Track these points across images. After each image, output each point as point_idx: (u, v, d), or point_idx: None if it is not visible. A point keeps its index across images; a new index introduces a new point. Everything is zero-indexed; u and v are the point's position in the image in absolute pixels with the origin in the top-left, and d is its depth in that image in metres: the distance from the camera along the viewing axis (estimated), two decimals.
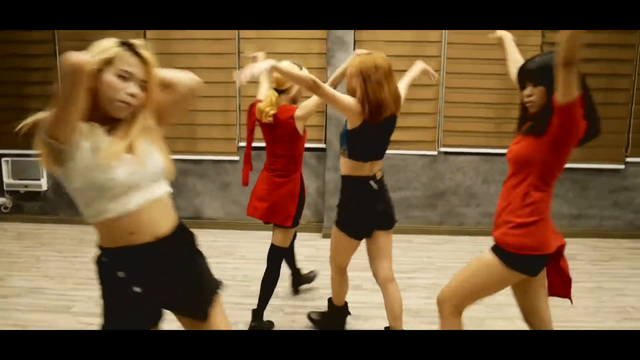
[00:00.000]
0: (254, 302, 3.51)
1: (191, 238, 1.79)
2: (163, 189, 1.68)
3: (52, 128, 1.43)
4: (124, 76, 1.55)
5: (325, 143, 5.12)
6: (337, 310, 3.13)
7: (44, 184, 5.34)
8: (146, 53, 1.59)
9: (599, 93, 4.93)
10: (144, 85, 1.59)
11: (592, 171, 5.14)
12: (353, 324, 3.29)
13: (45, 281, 3.86)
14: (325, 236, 5.11)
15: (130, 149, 1.57)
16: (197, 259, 1.81)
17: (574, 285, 2.25)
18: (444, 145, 5.17)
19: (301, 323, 3.34)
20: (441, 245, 4.44)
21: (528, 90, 2.01)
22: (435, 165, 5.20)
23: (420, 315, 3.42)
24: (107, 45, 1.56)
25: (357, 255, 4.43)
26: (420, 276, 4.12)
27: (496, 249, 2.07)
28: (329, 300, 3.20)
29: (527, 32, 4.92)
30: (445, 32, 4.99)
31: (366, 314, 3.43)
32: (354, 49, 4.95)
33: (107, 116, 1.58)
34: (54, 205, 5.44)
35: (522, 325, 2.32)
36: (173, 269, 1.70)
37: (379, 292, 3.79)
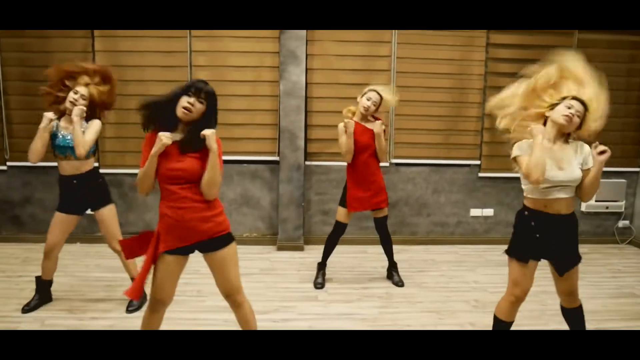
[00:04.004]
0: (209, 318, 3.47)
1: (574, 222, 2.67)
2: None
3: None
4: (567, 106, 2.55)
5: (278, 156, 5.14)
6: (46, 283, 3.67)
7: None
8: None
9: None
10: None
11: None
12: None
13: None
14: (280, 249, 5.10)
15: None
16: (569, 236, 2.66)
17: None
18: (395, 157, 5.29)
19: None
20: (394, 254, 4.51)
21: (192, 99, 2.31)
22: (387, 176, 5.30)
23: (376, 326, 3.46)
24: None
25: (314, 267, 4.45)
26: (375, 286, 4.18)
27: (230, 236, 2.56)
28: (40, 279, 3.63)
29: (472, 32, 5.12)
30: (395, 47, 5.13)
31: (323, 325, 3.44)
32: (306, 62, 5.01)
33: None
34: None
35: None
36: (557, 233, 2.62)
37: (335, 302, 3.83)
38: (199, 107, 2.33)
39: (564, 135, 2.61)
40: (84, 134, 3.33)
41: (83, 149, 3.30)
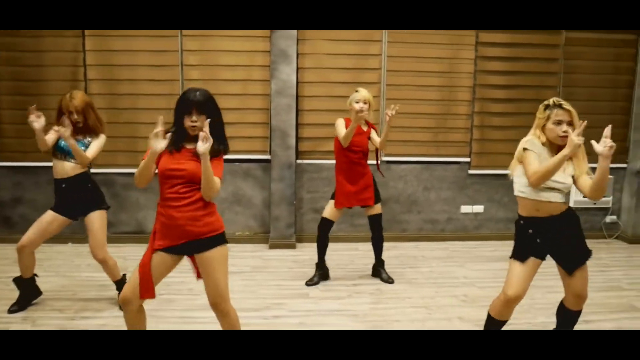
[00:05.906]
0: (199, 316, 3.49)
1: (574, 219, 2.71)
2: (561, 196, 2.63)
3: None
4: (558, 122, 2.55)
5: (270, 154, 5.16)
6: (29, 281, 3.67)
7: None
8: (566, 105, 2.56)
9: (530, 90, 5.28)
10: (570, 123, 2.54)
11: None
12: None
13: None
14: (272, 247, 5.13)
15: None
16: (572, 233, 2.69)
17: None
18: (386, 155, 5.33)
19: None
20: (385, 251, 4.56)
21: (194, 117, 2.45)
22: (379, 174, 5.34)
23: (366, 320, 3.50)
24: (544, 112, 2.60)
25: (306, 264, 4.48)
26: (366, 282, 4.22)
27: (221, 237, 2.58)
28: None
29: (462, 31, 5.16)
30: (385, 45, 5.16)
31: (314, 322, 3.47)
32: (297, 61, 5.04)
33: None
34: None
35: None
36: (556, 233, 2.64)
37: (327, 299, 3.86)
38: (202, 118, 2.44)
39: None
40: (90, 147, 3.46)
41: (83, 162, 3.44)
